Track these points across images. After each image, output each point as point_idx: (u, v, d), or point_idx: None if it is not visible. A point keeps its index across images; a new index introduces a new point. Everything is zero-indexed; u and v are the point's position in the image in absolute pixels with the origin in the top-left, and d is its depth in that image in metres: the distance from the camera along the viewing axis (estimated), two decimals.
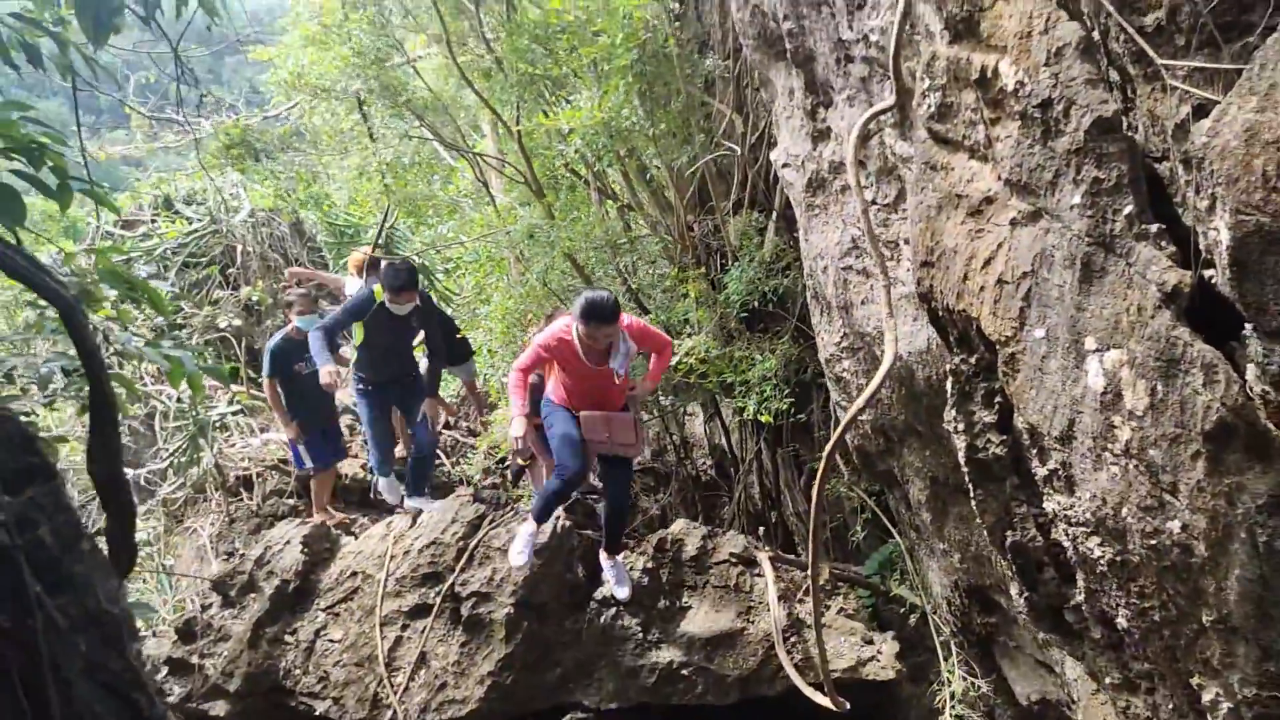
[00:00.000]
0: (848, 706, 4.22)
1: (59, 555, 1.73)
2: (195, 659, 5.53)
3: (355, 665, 5.33)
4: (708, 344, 6.30)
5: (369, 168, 6.81)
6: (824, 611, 5.60)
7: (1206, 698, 2.83)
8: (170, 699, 5.53)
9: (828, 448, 3.48)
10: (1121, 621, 3.05)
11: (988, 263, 3.12)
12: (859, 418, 4.71)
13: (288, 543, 5.89)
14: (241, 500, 8.45)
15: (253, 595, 5.68)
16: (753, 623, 5.44)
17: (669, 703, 5.29)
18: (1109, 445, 2.76)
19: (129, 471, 8.79)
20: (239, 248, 10.50)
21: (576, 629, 5.34)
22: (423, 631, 5.36)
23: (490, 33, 6.98)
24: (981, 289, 3.15)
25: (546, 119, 5.69)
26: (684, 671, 5.28)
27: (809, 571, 4.13)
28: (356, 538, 6.21)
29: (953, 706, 5.14)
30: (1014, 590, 3.61)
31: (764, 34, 4.52)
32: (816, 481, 3.51)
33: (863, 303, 4.35)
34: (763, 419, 6.21)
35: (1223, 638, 2.69)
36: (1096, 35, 2.83)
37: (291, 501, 8.20)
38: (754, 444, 7.86)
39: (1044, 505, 3.17)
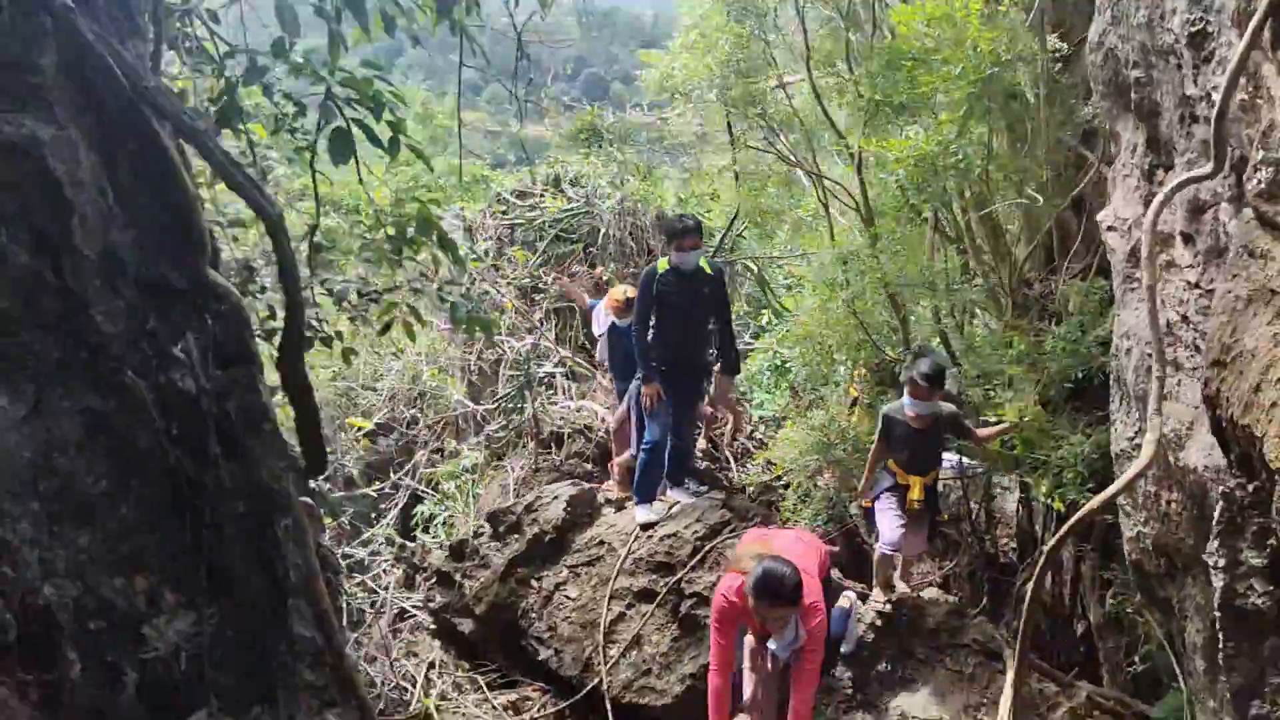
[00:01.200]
0: None
1: (242, 428, 2.10)
2: (458, 577, 6.21)
3: (580, 626, 5.66)
4: (1027, 408, 5.78)
5: (716, 171, 7.09)
6: None
7: None
8: (433, 604, 6.28)
9: (1054, 539, 3.10)
10: None
11: None
12: (1140, 530, 4.11)
13: (556, 498, 6.38)
14: (550, 453, 9.26)
15: (516, 536, 6.24)
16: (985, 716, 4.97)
17: None
18: None
19: (469, 405, 10.01)
20: (602, 230, 11.43)
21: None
22: (644, 615, 5.56)
23: (858, 55, 6.95)
24: (1274, 405, 2.62)
25: (872, 144, 5.57)
26: None
27: (1027, 679, 3.71)
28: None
29: None
30: None
31: (1115, 80, 4.04)
32: (1035, 574, 3.15)
33: (1164, 398, 3.77)
34: (1055, 505, 5.61)
35: None
36: None
37: (589, 466, 8.82)
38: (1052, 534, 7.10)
39: None
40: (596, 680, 5.39)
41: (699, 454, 8.13)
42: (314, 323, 3.37)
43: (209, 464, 1.98)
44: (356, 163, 3.71)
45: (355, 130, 3.26)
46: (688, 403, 6.48)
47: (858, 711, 5.07)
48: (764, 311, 11.36)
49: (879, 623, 5.31)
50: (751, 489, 8.07)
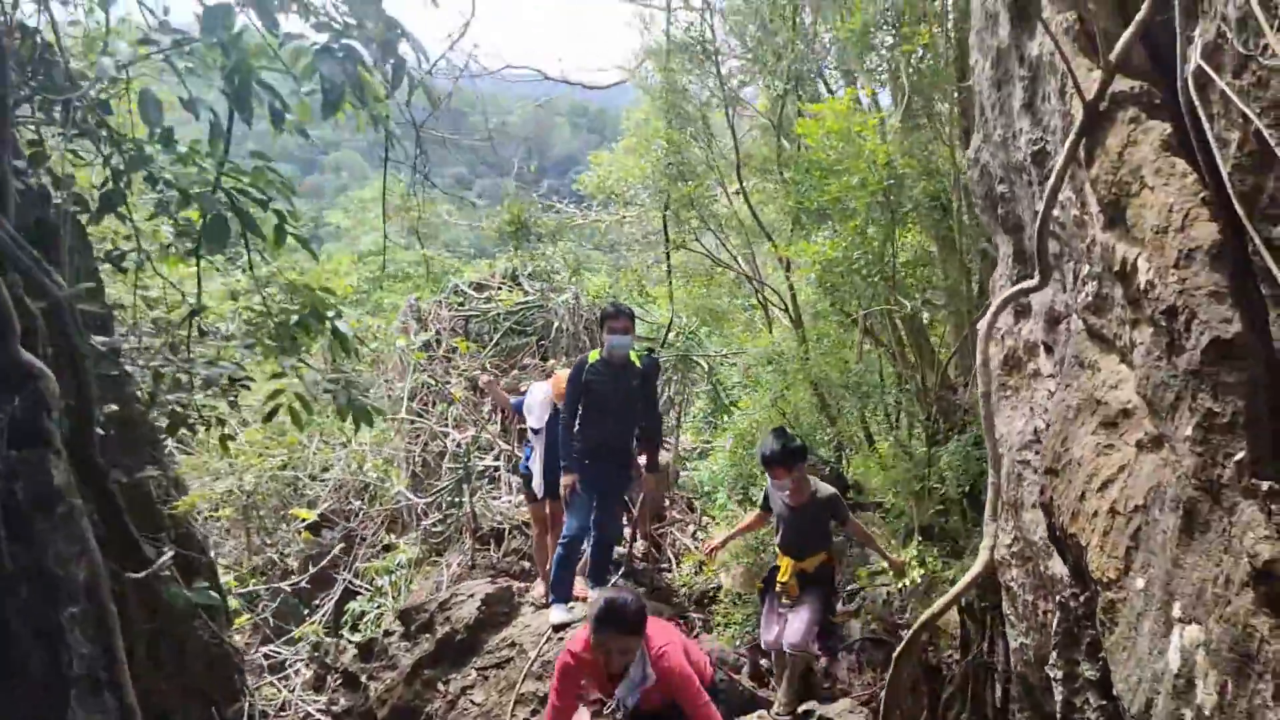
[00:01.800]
0: None
1: (30, 510, 2.08)
2: (365, 679, 6.05)
3: None
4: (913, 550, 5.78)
5: (647, 268, 7.22)
6: None
7: None
8: (337, 709, 6.09)
9: (913, 628, 3.06)
10: None
11: (1106, 485, 2.62)
12: (1022, 641, 4.07)
13: (471, 595, 6.26)
14: (487, 549, 9.12)
15: (427, 635, 6.11)
16: None
17: None
18: None
19: (410, 497, 9.86)
20: (555, 324, 11.55)
21: None
22: None
23: (788, 162, 7.19)
24: (1095, 515, 2.64)
25: (789, 249, 5.71)
26: None
27: None
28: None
29: None
30: None
31: (989, 195, 4.18)
32: (891, 668, 3.10)
33: (1033, 505, 3.78)
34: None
35: None
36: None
37: (527, 565, 8.69)
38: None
39: None
40: None
41: (638, 555, 8.01)
42: (178, 409, 3.38)
43: None
44: (248, 249, 3.80)
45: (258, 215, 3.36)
46: (611, 496, 6.40)
47: None
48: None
49: None
50: (687, 590, 7.96)
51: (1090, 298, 2.85)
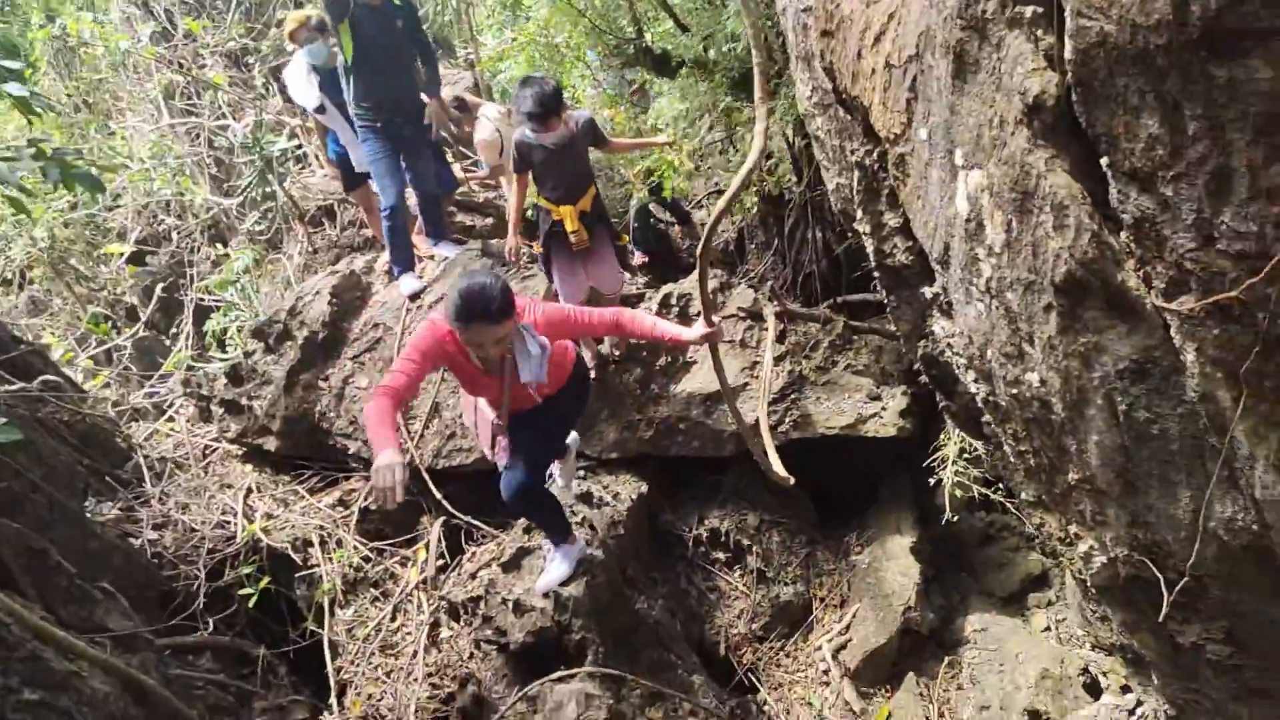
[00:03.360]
0: (791, 481, 4.06)
1: None
2: (244, 400, 6.04)
3: None
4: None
5: None
6: (830, 366, 5.39)
7: (1081, 548, 2.57)
8: (229, 434, 6.16)
9: (707, 227, 3.05)
10: (1009, 456, 2.74)
11: (879, 39, 2.50)
12: (838, 182, 4.18)
13: (318, 293, 6.10)
14: (324, 230, 8.77)
15: (289, 343, 6.02)
16: (756, 379, 5.32)
17: (667, 454, 5.40)
18: (974, 280, 2.31)
19: (220, 202, 9.19)
20: None
21: None
22: (434, 383, 5.59)
23: None
24: (873, 72, 2.55)
25: None
26: (681, 425, 5.31)
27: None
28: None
29: (954, 465, 4.96)
30: (938, 394, 3.30)
31: None
32: (698, 261, 3.15)
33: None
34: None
35: (1092, 497, 2.37)
36: None
37: (368, 232, 8.41)
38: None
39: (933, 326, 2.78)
40: (408, 457, 5.49)
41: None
42: None
43: None
44: None
45: None
46: (416, 148, 6.03)
47: (649, 406, 5.35)
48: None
49: None
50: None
51: None
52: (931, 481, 5.00)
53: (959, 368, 2.64)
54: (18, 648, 2.30)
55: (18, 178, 3.05)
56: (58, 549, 3.93)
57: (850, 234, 5.02)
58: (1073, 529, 2.56)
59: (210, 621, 4.91)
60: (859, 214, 2.94)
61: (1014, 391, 2.33)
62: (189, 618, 4.85)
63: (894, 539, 5.29)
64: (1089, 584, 2.70)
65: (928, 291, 2.66)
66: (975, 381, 2.54)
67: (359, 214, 8.41)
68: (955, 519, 4.97)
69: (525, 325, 3.36)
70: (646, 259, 7.36)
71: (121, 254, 9.81)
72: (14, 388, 5.46)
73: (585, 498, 4.95)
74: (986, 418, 2.89)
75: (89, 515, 5.01)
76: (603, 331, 3.74)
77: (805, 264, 6.65)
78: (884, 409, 5.19)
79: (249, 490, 5.83)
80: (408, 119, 5.91)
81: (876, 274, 3.07)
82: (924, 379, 3.42)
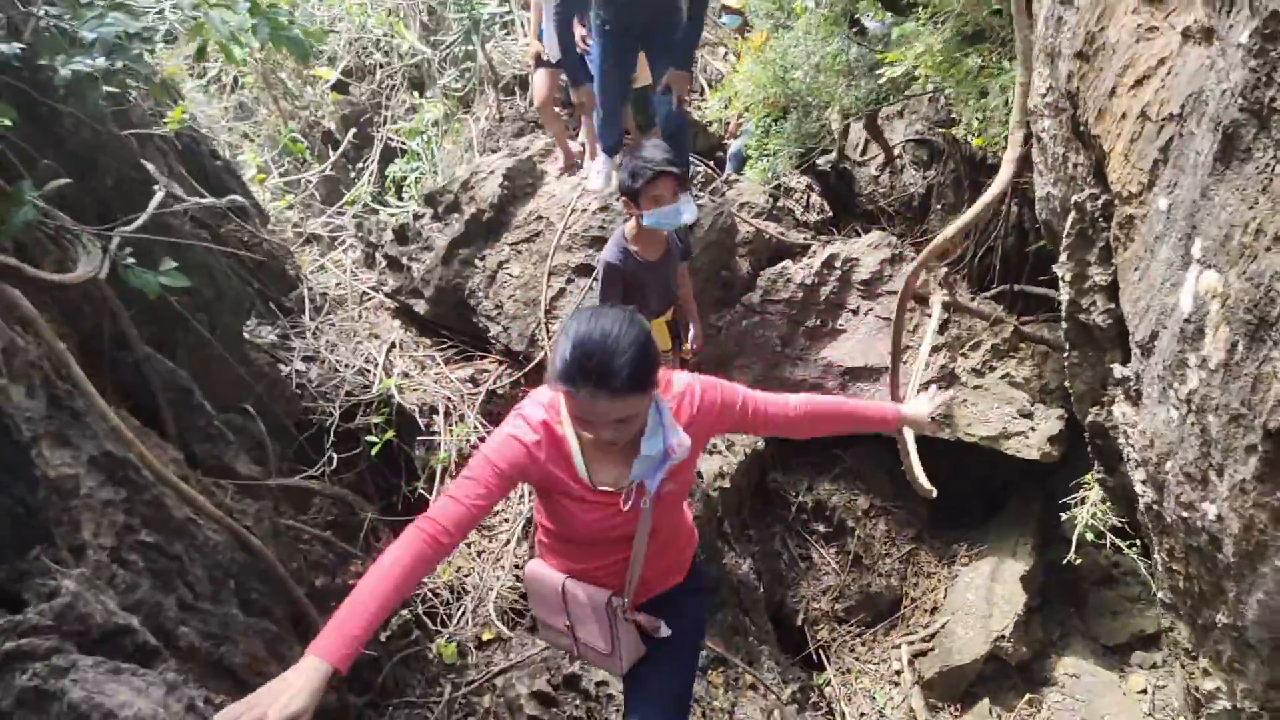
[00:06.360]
0: (934, 493, 3.91)
1: None
2: (405, 260, 6.22)
3: (524, 304, 5.73)
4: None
5: None
6: (987, 371, 5.07)
7: (1208, 686, 2.35)
8: (385, 288, 6.38)
9: (924, 252, 2.86)
10: (1158, 564, 2.50)
11: (1141, 82, 2.18)
12: (1049, 191, 3.82)
13: (492, 172, 6.13)
14: (513, 99, 8.80)
15: (456, 215, 6.12)
16: (905, 364, 5.07)
17: None
18: (1175, 385, 2.06)
19: (424, 50, 9.32)
20: None
21: (717, 325, 5.29)
22: (582, 290, 5.58)
23: None
24: (1123, 116, 2.24)
25: None
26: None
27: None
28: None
29: (1093, 507, 4.64)
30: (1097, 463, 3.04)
31: None
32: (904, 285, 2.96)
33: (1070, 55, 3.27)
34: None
35: (1237, 646, 2.15)
36: None
37: (558, 110, 8.37)
38: None
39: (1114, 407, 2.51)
40: (542, 354, 5.57)
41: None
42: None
43: None
44: None
45: None
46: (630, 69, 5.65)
47: (785, 366, 5.21)
48: None
49: (812, 280, 5.25)
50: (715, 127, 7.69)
51: None
52: (1063, 515, 4.70)
53: (1130, 462, 2.40)
54: (145, 490, 2.44)
55: (228, 30, 3.11)
56: (212, 365, 4.15)
57: (1048, 243, 4.62)
58: (1203, 662, 2.33)
59: (335, 458, 5.18)
60: (1063, 258, 2.65)
61: (1184, 515, 2.09)
62: (317, 450, 5.13)
63: (1007, 562, 5.05)
64: (1202, 713, 2.49)
65: (1118, 370, 2.40)
66: (1143, 484, 2.30)
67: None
68: (1079, 561, 4.68)
69: (663, 404, 2.14)
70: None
71: (328, 79, 10.12)
72: (204, 201, 5.79)
73: None
74: (1143, 513, 2.64)
75: (248, 336, 5.32)
76: (790, 427, 2.39)
77: (991, 238, 6.21)
78: (1033, 429, 4.88)
79: (392, 345, 6.06)
80: (655, 26, 5.25)
81: (1064, 324, 2.79)
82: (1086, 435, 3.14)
